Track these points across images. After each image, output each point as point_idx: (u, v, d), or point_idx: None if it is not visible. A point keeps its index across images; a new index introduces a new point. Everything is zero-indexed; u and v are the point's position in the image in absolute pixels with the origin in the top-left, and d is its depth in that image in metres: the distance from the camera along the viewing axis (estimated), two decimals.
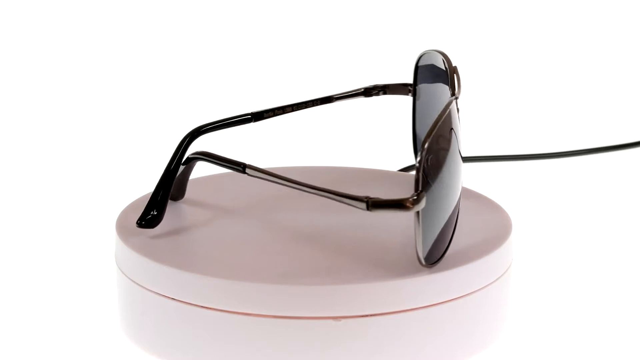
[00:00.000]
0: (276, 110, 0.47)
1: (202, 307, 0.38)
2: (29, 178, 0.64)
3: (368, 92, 0.50)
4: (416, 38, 0.78)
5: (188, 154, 0.44)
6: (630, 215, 0.58)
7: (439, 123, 0.38)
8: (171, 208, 0.45)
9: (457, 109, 0.41)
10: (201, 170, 0.46)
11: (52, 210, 0.59)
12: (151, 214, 0.42)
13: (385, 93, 0.50)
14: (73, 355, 0.43)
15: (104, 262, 0.48)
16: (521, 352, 0.42)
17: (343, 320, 0.37)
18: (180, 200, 0.46)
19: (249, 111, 0.47)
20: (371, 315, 0.37)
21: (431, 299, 0.38)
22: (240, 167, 0.41)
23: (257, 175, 0.41)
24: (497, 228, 0.42)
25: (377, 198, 0.36)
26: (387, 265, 0.39)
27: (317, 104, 0.49)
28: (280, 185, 0.40)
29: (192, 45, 0.79)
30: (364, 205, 0.37)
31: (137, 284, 0.40)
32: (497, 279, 0.40)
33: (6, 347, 0.43)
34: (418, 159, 0.36)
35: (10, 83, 0.75)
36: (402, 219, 0.43)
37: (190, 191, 0.46)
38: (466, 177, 0.51)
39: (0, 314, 0.46)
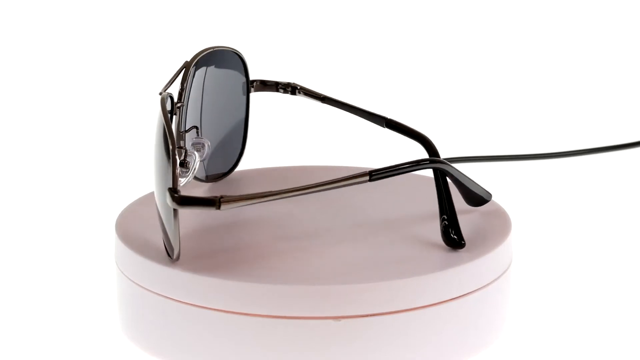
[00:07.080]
0: None
1: (202, 307, 0.38)
2: (29, 178, 0.63)
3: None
4: (416, 37, 0.78)
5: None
6: (630, 215, 0.58)
7: None
8: None
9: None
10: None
11: (52, 211, 0.58)
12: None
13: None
14: (73, 355, 0.43)
15: (104, 262, 0.48)
16: (521, 352, 0.42)
17: (343, 320, 0.37)
18: None
19: None
20: (371, 315, 0.37)
21: (431, 298, 0.38)
22: None
23: None
24: (497, 228, 0.42)
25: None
26: (387, 265, 0.39)
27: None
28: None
29: (191, 45, 0.79)
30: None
31: (137, 284, 0.40)
32: (497, 279, 0.40)
33: (6, 347, 0.43)
34: None
35: (8, 83, 0.75)
36: (404, 219, 0.43)
37: (189, 191, 0.46)
38: None
39: (0, 314, 0.46)
